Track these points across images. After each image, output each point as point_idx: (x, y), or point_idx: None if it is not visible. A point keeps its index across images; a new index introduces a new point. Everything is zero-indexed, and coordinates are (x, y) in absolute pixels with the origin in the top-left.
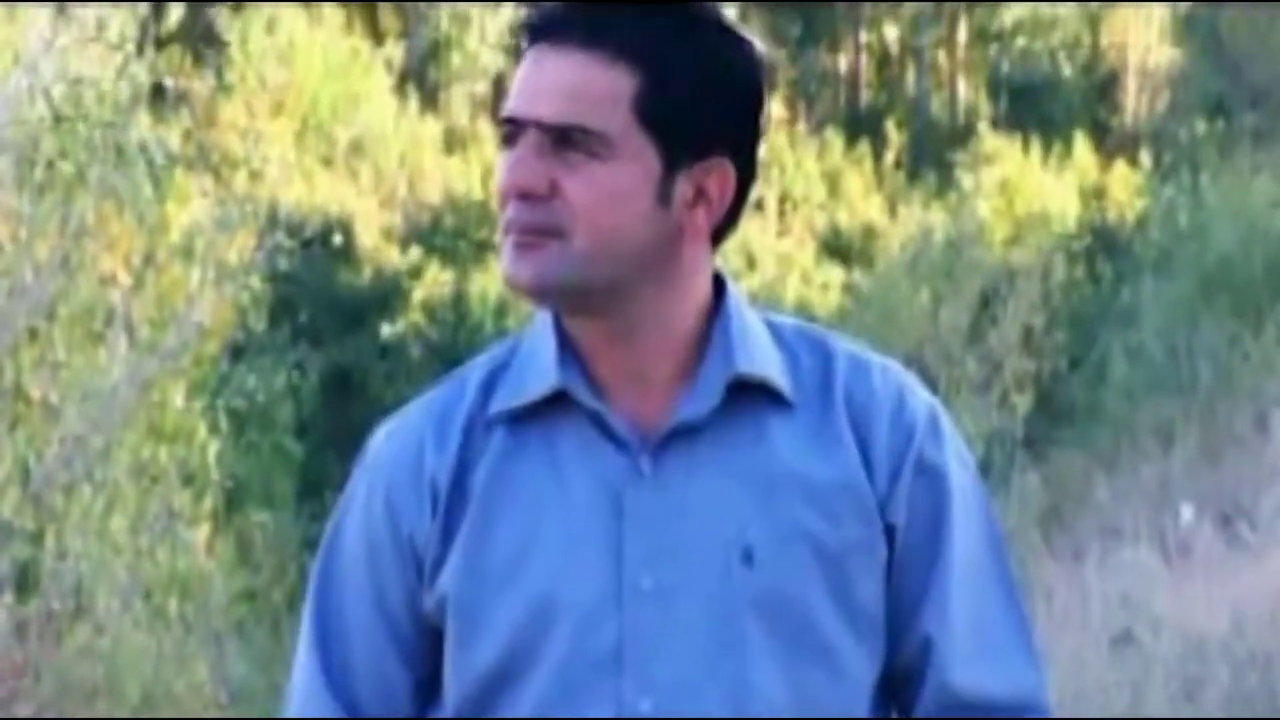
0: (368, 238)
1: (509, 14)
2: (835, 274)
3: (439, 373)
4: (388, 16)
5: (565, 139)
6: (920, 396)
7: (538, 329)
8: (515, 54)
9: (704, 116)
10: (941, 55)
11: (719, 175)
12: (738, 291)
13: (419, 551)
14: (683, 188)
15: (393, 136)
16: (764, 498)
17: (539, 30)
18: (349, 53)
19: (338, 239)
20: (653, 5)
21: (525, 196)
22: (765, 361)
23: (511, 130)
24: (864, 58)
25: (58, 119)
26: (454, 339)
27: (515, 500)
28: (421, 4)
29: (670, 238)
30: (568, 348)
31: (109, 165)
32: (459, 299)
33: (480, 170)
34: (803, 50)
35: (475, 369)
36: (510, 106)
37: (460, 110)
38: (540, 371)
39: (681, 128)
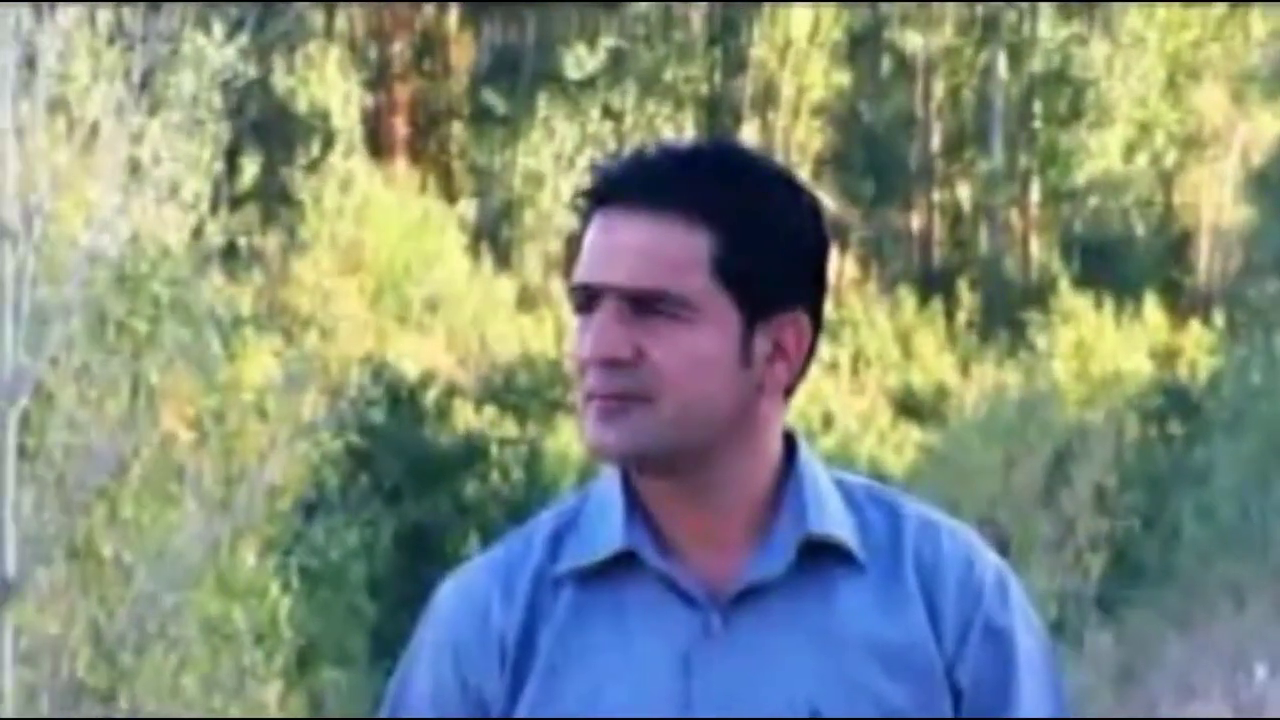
0: (442, 396)
1: (582, 174)
2: (909, 433)
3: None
4: (461, 176)
5: (646, 304)
6: (988, 559)
7: (604, 484)
8: (582, 219)
9: (779, 271)
10: (1014, 214)
11: (795, 329)
12: (808, 449)
13: (488, 707)
14: (761, 344)
15: (466, 294)
16: (832, 658)
17: (605, 194)
18: (422, 211)
19: (411, 397)
20: (718, 164)
21: (611, 364)
22: (837, 522)
23: (586, 297)
24: (937, 217)
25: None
26: (528, 497)
27: (583, 659)
28: (495, 164)
29: (751, 396)
30: (635, 506)
31: (179, 324)
32: (533, 457)
33: (554, 328)
34: (875, 209)
35: (542, 525)
36: (584, 273)
37: (534, 268)
38: (607, 530)
39: (759, 284)
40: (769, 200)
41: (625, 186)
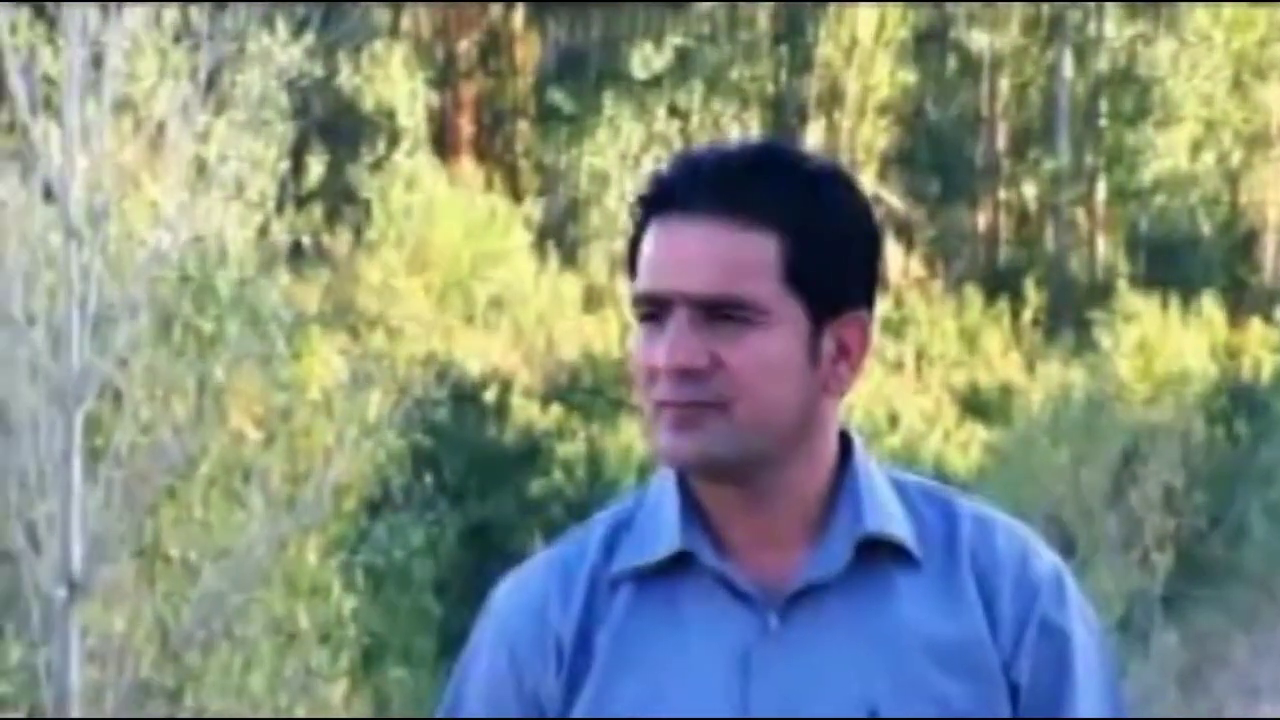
0: (507, 395)
1: (649, 170)
2: (974, 432)
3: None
4: (526, 175)
5: (718, 310)
6: (1044, 557)
7: (660, 486)
8: (637, 225)
9: (844, 271)
10: (1080, 213)
11: (858, 327)
12: (862, 447)
13: (544, 707)
14: (828, 345)
15: (531, 293)
16: (890, 657)
17: (666, 201)
18: (488, 210)
19: (478, 396)
20: (776, 165)
21: (686, 373)
22: (893, 520)
23: (653, 306)
24: (1002, 215)
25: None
26: (590, 495)
27: (640, 659)
28: (560, 163)
29: (816, 397)
30: (691, 507)
31: (245, 324)
32: (595, 456)
33: (618, 327)
34: (941, 208)
35: (598, 525)
36: (652, 282)
37: (598, 267)
38: (663, 531)
39: (825, 285)
40: (830, 198)
41: (688, 193)
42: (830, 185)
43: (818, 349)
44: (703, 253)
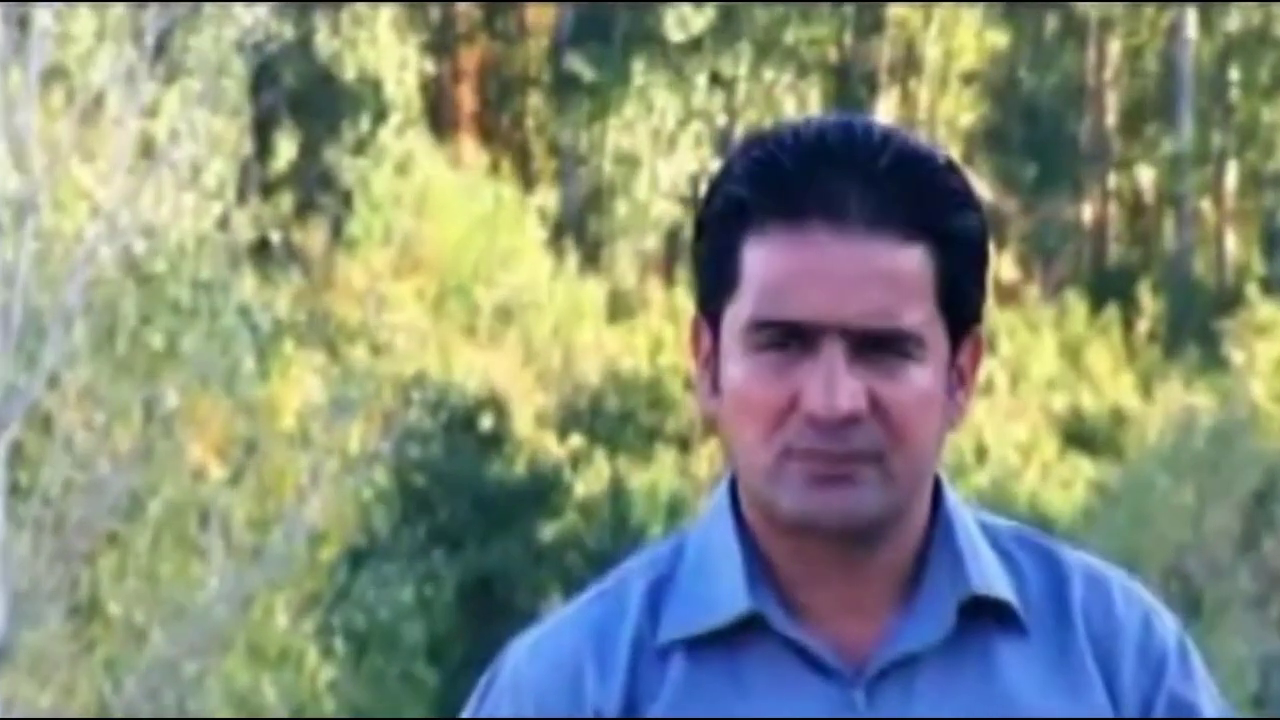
0: (518, 423)
1: (686, 156)
2: (1079, 467)
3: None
4: (540, 158)
5: (877, 343)
6: (1167, 621)
7: (707, 533)
8: (727, 228)
9: (979, 283)
10: (1206, 204)
11: (976, 347)
12: (951, 489)
13: None
14: (955, 371)
15: (547, 301)
16: None
17: (797, 205)
18: (493, 200)
19: (481, 423)
20: (915, 157)
21: (846, 421)
22: (997, 577)
23: (787, 336)
24: (1112, 207)
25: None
26: (615, 542)
27: None
28: (581, 143)
29: (945, 433)
30: (755, 560)
31: (203, 335)
32: (620, 496)
33: (649, 341)
34: (1039, 198)
35: (633, 579)
36: (795, 309)
37: (626, 269)
38: (723, 590)
39: (966, 300)
40: (968, 194)
41: (835, 196)
42: (962, 177)
43: (951, 378)
44: (862, 274)
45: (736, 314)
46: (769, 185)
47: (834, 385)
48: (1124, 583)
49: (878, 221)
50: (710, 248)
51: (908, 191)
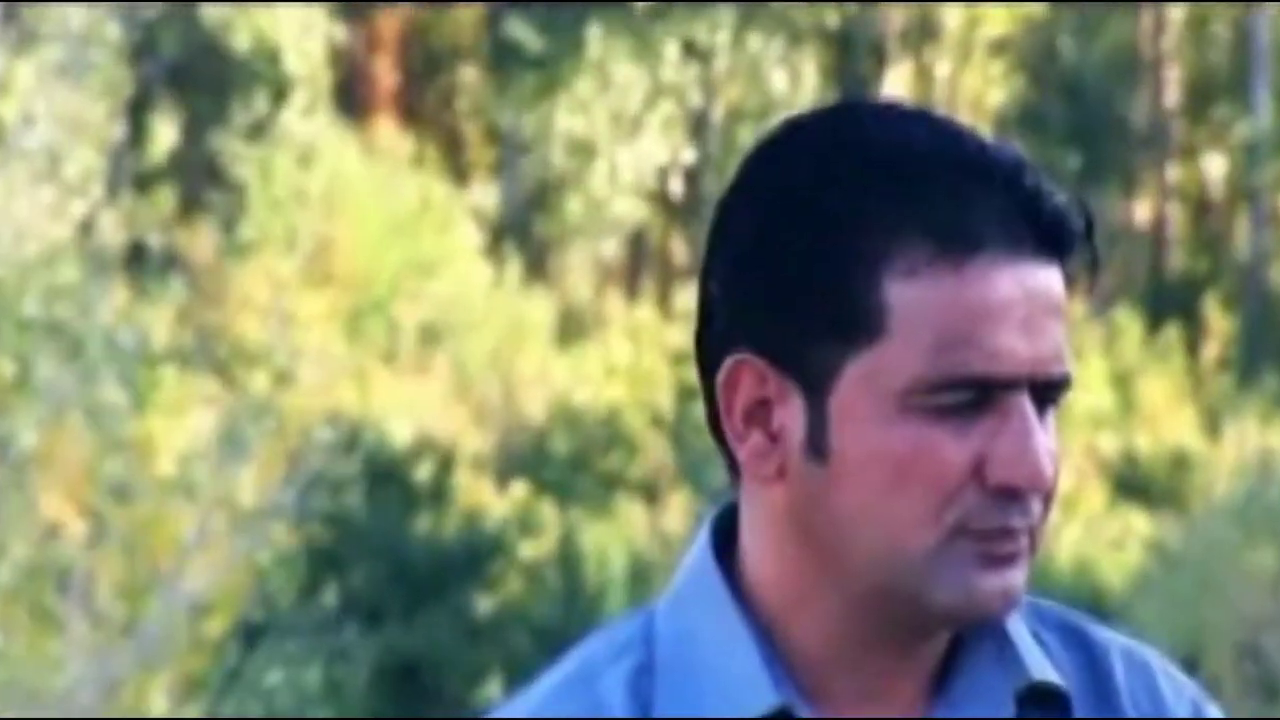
0: (447, 469)
1: (654, 142)
2: (1132, 523)
3: (546, 664)
4: (476, 146)
5: (1047, 390)
6: (1213, 710)
7: (690, 609)
8: (865, 258)
9: None
10: None
11: None
12: None
13: None
14: None
15: (484, 320)
16: None
17: (981, 232)
18: (419, 197)
19: (405, 470)
20: (1032, 165)
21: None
22: (1045, 660)
23: (972, 395)
24: (1173, 204)
25: None
26: (568, 615)
27: None
28: (525, 127)
29: None
30: (770, 643)
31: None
32: (572, 560)
33: (606, 370)
34: (1084, 193)
35: (604, 669)
36: (990, 360)
37: (579, 280)
38: (736, 681)
39: None
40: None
41: (1002, 218)
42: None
43: None
44: (1045, 309)
45: (882, 368)
46: (922, 206)
47: (1035, 449)
48: (1164, 665)
49: (1043, 244)
50: (814, 279)
51: (1042, 204)
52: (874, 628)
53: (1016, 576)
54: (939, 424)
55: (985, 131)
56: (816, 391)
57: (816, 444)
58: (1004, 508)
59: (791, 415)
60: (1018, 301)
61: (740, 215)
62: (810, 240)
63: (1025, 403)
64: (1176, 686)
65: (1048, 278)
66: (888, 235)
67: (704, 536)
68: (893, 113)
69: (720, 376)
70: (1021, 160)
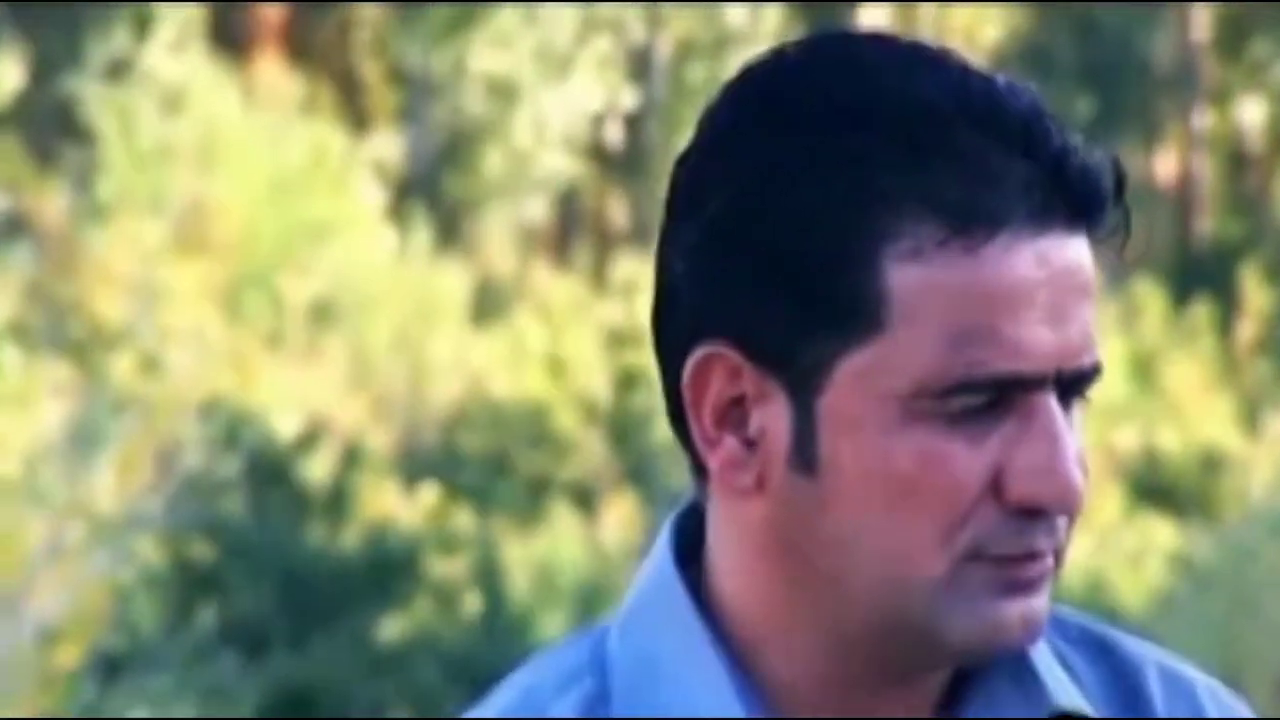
0: (344, 468)
1: (587, 86)
2: (1155, 533)
3: (462, 702)
4: (376, 88)
5: (1077, 384)
6: None
7: (650, 630)
8: (861, 234)
9: None
10: None
11: None
12: None
13: None
14: None
15: (386, 293)
16: None
17: (1004, 205)
18: (310, 148)
19: (293, 471)
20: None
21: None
22: (1070, 685)
23: (990, 396)
24: (1202, 157)
25: None
26: (489, 640)
27: None
28: (433, 67)
29: None
30: (739, 666)
31: None
32: (492, 575)
33: (531, 353)
34: (1098, 144)
35: (551, 701)
36: (1012, 356)
37: (500, 248)
38: (703, 712)
39: None
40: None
41: (1028, 188)
42: None
43: None
44: (1073, 289)
45: (883, 367)
46: (929, 176)
47: (1064, 460)
48: (1210, 685)
49: (1071, 212)
50: (803, 258)
51: (1069, 163)
52: (872, 662)
53: (1040, 602)
54: (950, 431)
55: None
56: (804, 391)
57: (804, 453)
58: (1027, 528)
59: (773, 418)
60: (1042, 283)
61: (711, 178)
62: (799, 212)
63: (1052, 403)
64: (1220, 705)
65: (1076, 251)
66: (890, 210)
67: (664, 544)
68: (889, 52)
69: (686, 370)
70: (1040, 108)
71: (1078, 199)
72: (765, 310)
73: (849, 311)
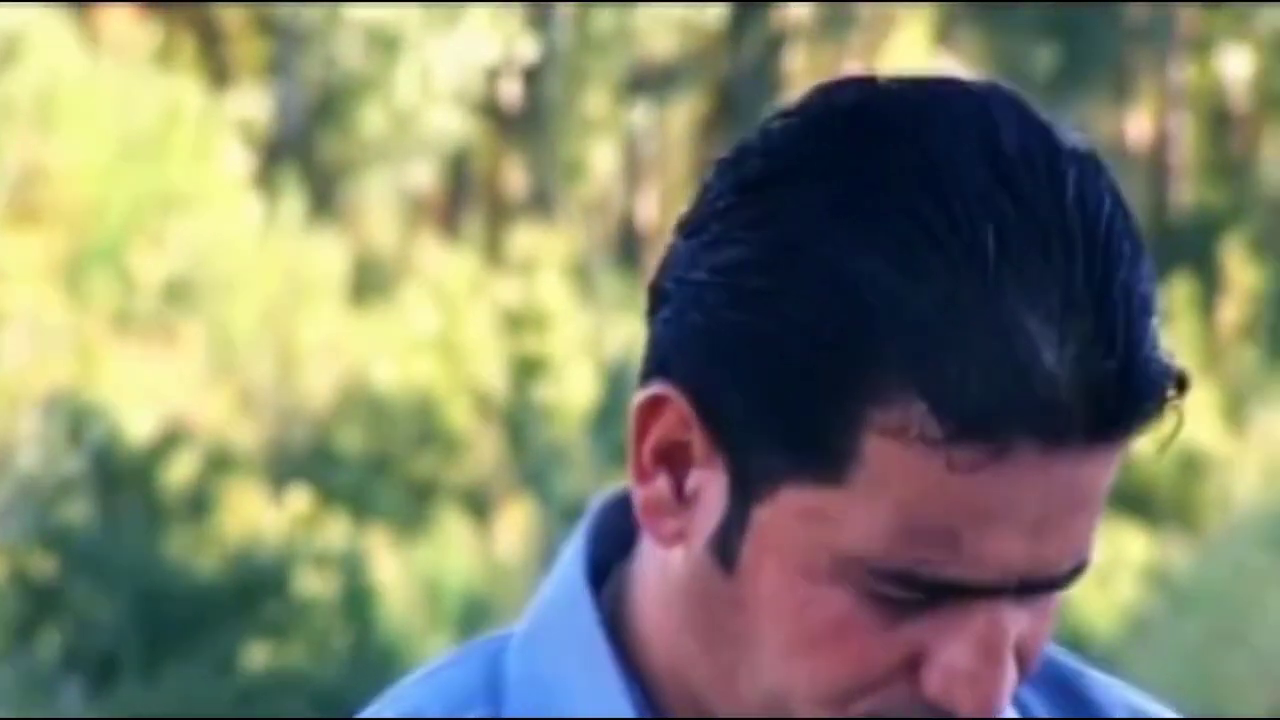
0: (203, 471)
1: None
2: (1127, 545)
3: None
4: (241, 39)
5: (1051, 586)
6: None
7: (552, 651)
8: (850, 390)
9: None
10: None
11: None
12: None
13: None
14: None
15: (252, 273)
16: None
17: (1020, 429)
18: (167, 105)
19: (148, 473)
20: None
21: None
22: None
23: (929, 594)
24: (1180, 115)
25: None
26: (361, 661)
27: None
28: (304, 18)
29: None
30: (656, 712)
31: None
32: (370, 593)
33: (417, 337)
34: (1060, 100)
35: None
36: (966, 568)
37: (380, 219)
38: None
39: None
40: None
41: (1054, 411)
42: None
43: None
44: (1070, 507)
45: (828, 518)
46: (940, 354)
47: (992, 673)
48: None
49: (1106, 432)
50: (791, 367)
51: (1139, 377)
52: None
53: None
54: (875, 607)
55: (914, 31)
56: (744, 492)
57: (726, 547)
58: (935, 716)
59: (710, 491)
60: (1034, 500)
61: (750, 217)
62: (811, 318)
63: (997, 613)
64: None
65: (1093, 468)
66: (883, 375)
67: (576, 552)
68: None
69: (642, 393)
70: (1118, 256)
71: (1116, 419)
72: (736, 395)
73: (814, 447)
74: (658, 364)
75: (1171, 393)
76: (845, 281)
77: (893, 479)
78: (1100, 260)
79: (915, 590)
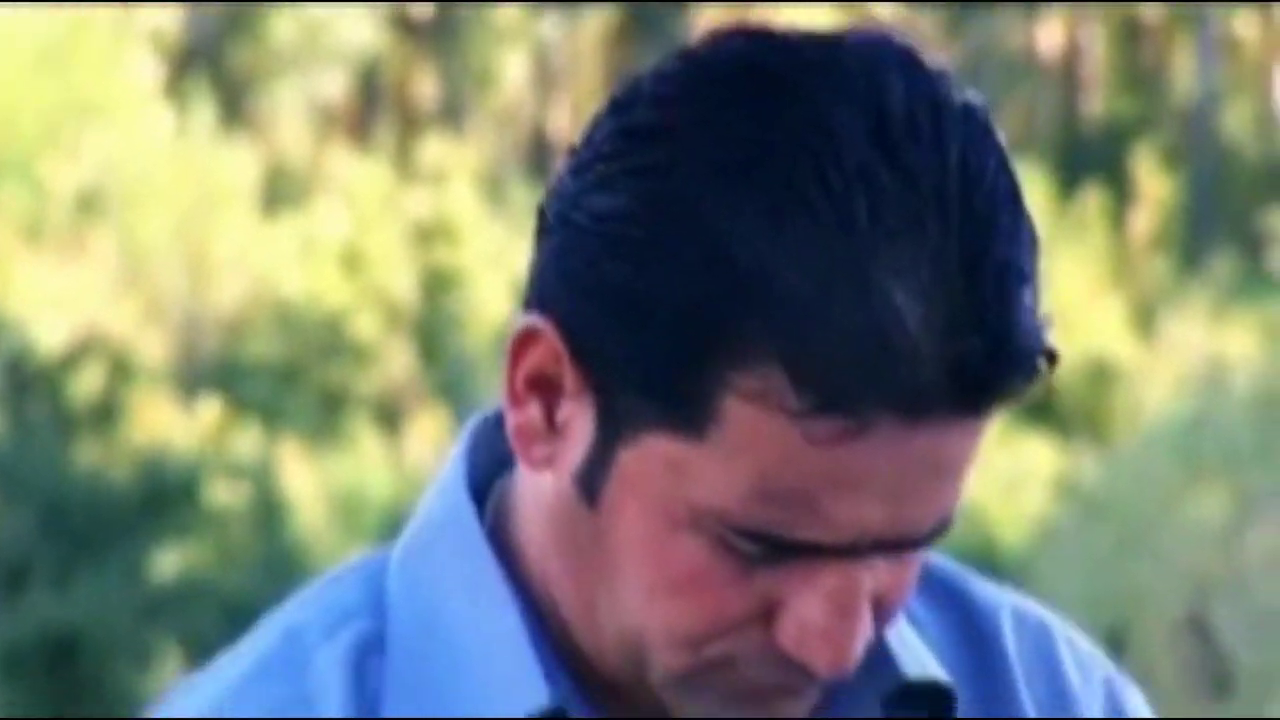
0: (114, 381)
1: None
2: (1035, 455)
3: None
4: None
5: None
6: (1136, 698)
7: (435, 564)
8: (712, 350)
9: None
10: (1248, 23)
11: None
12: None
13: None
14: None
15: (162, 183)
16: None
17: (880, 401)
18: (72, 17)
19: (56, 385)
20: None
21: None
22: (923, 648)
23: (784, 551)
24: (1090, 26)
25: None
26: (273, 572)
27: None
28: None
29: None
30: (545, 630)
31: None
32: (281, 504)
33: (329, 247)
34: (969, 14)
35: (316, 648)
36: (824, 529)
37: (291, 129)
38: (494, 667)
39: None
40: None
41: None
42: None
43: None
44: (935, 471)
45: (686, 470)
46: (800, 326)
47: (846, 629)
48: (1066, 632)
49: (973, 406)
50: (661, 320)
51: (1013, 351)
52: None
53: (781, 707)
54: (731, 558)
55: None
56: (610, 431)
57: (590, 485)
58: (787, 668)
59: (578, 424)
60: (895, 471)
61: (628, 166)
62: (684, 274)
63: (853, 572)
64: (1082, 660)
65: (958, 437)
66: (742, 341)
67: (458, 465)
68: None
69: (519, 322)
70: (994, 226)
71: (981, 393)
72: (607, 340)
73: (676, 402)
74: (537, 295)
75: (1042, 365)
76: (718, 244)
77: (750, 443)
78: (975, 232)
79: (769, 547)
